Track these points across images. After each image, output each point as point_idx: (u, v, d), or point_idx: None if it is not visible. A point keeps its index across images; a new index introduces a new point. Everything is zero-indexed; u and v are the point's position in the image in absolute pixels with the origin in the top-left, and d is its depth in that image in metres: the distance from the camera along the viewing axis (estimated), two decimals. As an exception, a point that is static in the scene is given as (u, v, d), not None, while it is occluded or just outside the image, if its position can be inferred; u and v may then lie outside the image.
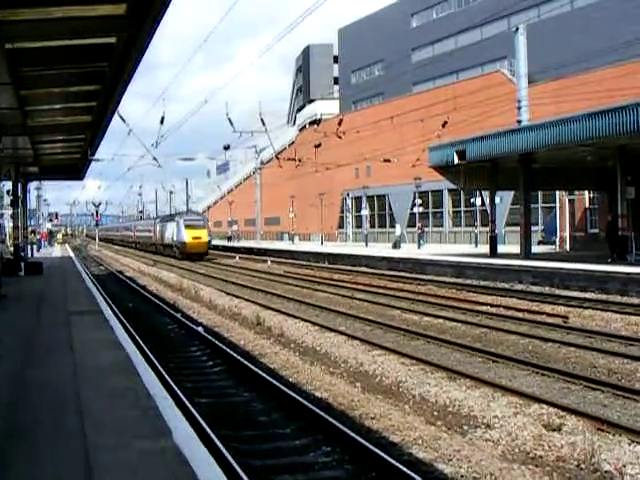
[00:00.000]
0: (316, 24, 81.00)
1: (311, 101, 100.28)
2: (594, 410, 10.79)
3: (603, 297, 24.88)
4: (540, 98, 43.42)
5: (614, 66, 44.77)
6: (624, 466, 8.38)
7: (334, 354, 15.96)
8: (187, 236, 60.11)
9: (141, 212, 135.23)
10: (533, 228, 42.59)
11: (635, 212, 33.43)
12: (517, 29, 41.59)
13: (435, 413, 11.14)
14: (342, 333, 18.51)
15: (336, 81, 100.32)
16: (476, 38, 67.37)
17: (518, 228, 39.62)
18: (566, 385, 12.58)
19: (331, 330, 19.02)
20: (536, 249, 41.95)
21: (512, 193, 50.04)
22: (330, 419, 10.09)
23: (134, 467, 5.81)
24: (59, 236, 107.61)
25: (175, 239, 61.84)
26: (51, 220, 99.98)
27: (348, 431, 9.50)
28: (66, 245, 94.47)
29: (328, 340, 17.59)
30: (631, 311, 21.37)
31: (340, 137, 47.90)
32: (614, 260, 30.96)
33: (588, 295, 25.50)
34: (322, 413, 10.42)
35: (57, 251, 68.65)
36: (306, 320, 20.88)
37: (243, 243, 76.97)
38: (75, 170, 40.96)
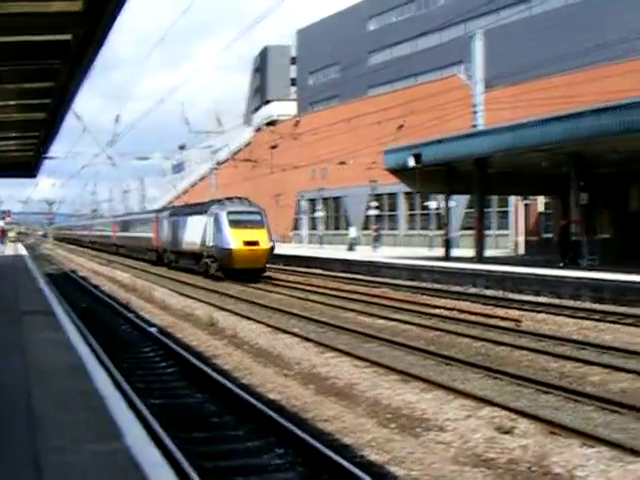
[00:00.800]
0: (275, 25, 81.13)
1: (268, 102, 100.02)
2: (546, 413, 10.88)
3: (556, 301, 25.16)
4: (497, 103, 43.69)
5: (571, 73, 45.24)
6: (574, 468, 8.47)
7: (287, 356, 15.94)
8: (235, 240, 36.52)
9: (94, 211, 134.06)
10: (487, 232, 42.88)
11: (588, 218, 33.84)
12: (474, 34, 41.93)
13: (388, 415, 11.17)
14: (295, 335, 18.52)
15: (293, 82, 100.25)
16: (435, 42, 67.74)
17: (473, 232, 39.90)
18: (518, 388, 12.69)
19: (284, 332, 19.03)
20: (492, 253, 42.27)
21: (467, 197, 50.42)
22: (283, 421, 10.06)
23: (85, 469, 5.72)
24: (11, 234, 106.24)
25: (210, 244, 38.34)
26: (3, 218, 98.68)
27: (301, 433, 9.49)
28: (19, 244, 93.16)
29: (281, 341, 17.60)
30: (583, 315, 21.66)
31: (296, 138, 47.91)
32: (566, 265, 31.31)
33: (541, 299, 25.79)
34: (275, 415, 10.39)
35: (9, 249, 67.64)
36: (260, 321, 20.87)
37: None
38: (28, 168, 40.33)
